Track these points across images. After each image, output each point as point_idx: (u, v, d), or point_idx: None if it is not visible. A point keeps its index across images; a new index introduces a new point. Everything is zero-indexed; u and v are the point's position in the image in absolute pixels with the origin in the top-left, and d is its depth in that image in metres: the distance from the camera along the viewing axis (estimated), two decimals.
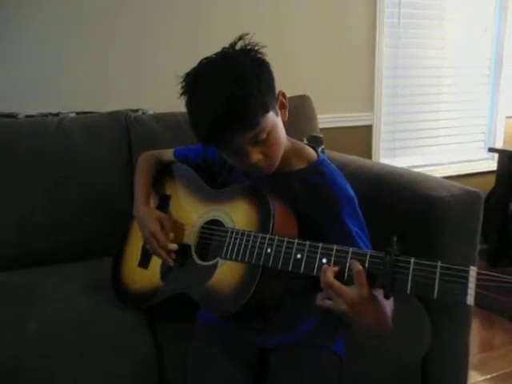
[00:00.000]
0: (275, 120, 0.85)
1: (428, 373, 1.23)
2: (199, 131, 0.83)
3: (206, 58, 0.86)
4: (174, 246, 0.96)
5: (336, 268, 0.69)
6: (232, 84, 0.78)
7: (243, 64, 0.81)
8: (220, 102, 0.78)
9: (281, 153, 0.88)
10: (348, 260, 0.68)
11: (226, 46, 0.86)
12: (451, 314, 1.21)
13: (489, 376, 1.58)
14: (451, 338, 1.23)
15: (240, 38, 0.85)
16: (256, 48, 0.85)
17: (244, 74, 0.80)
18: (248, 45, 0.84)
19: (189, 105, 0.85)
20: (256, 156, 0.83)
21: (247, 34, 0.84)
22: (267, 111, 0.82)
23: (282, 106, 0.89)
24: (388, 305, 0.74)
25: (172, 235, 0.97)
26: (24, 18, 1.55)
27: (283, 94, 0.89)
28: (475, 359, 1.64)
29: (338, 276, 0.68)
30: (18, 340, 0.94)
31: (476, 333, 1.81)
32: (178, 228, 1.00)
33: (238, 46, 0.85)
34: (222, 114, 0.78)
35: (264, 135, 0.82)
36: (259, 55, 0.85)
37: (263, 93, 0.80)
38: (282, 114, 0.89)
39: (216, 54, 0.85)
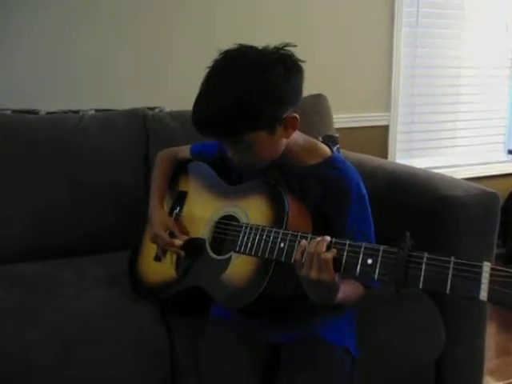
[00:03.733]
0: (262, 138, 0.83)
1: (442, 375, 1.22)
2: (192, 117, 0.84)
3: (244, 47, 0.84)
4: (178, 242, 1.00)
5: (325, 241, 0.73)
6: (231, 91, 0.79)
7: (266, 73, 0.79)
8: (213, 105, 0.80)
9: (261, 161, 0.89)
10: (361, 255, 0.68)
11: (269, 46, 0.84)
12: (465, 316, 1.20)
13: (505, 382, 1.55)
14: (465, 341, 1.22)
15: (285, 46, 0.83)
16: (294, 59, 0.83)
17: (254, 86, 0.78)
18: (287, 53, 0.83)
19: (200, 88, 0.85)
20: (235, 155, 0.87)
21: (294, 45, 0.83)
22: (255, 130, 0.81)
23: (290, 127, 0.86)
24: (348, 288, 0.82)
25: (183, 237, 1.01)
26: (42, 14, 1.59)
27: (294, 118, 0.85)
28: (491, 364, 1.61)
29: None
30: (34, 330, 0.96)
31: (492, 337, 1.78)
32: (193, 223, 1.02)
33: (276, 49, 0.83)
34: (207, 116, 0.81)
35: (243, 145, 0.84)
36: (296, 67, 0.83)
37: (264, 111, 0.80)
38: (285, 134, 0.86)
39: (252, 49, 0.84)
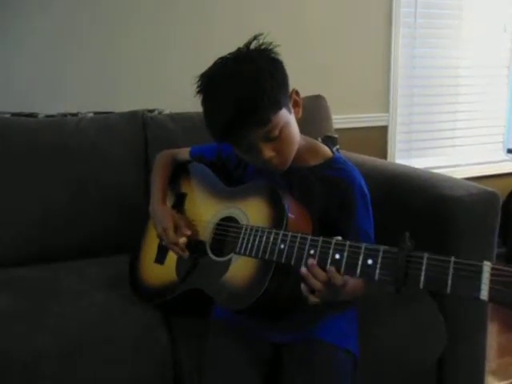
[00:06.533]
0: (288, 117, 0.86)
1: (443, 376, 1.21)
2: (214, 130, 0.86)
3: (221, 58, 0.88)
4: (183, 240, 0.97)
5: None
6: (245, 83, 0.81)
7: (257, 63, 0.83)
8: (233, 101, 0.80)
9: (294, 150, 0.89)
10: (361, 256, 0.68)
11: (241, 46, 0.88)
12: (467, 315, 1.19)
13: (507, 382, 1.55)
14: (467, 341, 1.22)
15: (255, 38, 0.87)
16: (270, 47, 0.87)
17: (257, 73, 0.82)
18: (262, 44, 0.87)
19: (204, 104, 0.87)
20: (269, 153, 0.85)
21: (261, 34, 0.87)
22: (279, 108, 0.83)
23: (296, 104, 0.91)
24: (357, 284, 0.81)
25: (188, 232, 0.98)
26: (42, 17, 1.59)
27: (296, 92, 0.91)
28: (493, 364, 1.61)
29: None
30: (36, 335, 0.95)
31: (494, 337, 1.77)
32: (193, 225, 1.01)
33: (252, 46, 0.87)
34: (235, 112, 0.80)
35: (276, 132, 0.84)
36: (273, 54, 0.87)
37: (276, 91, 0.82)
38: (295, 112, 0.90)
39: (231, 53, 0.88)
